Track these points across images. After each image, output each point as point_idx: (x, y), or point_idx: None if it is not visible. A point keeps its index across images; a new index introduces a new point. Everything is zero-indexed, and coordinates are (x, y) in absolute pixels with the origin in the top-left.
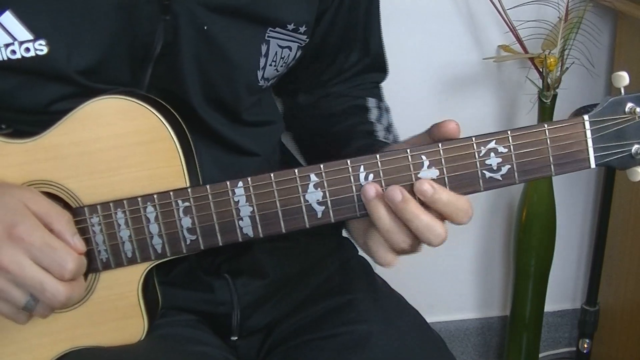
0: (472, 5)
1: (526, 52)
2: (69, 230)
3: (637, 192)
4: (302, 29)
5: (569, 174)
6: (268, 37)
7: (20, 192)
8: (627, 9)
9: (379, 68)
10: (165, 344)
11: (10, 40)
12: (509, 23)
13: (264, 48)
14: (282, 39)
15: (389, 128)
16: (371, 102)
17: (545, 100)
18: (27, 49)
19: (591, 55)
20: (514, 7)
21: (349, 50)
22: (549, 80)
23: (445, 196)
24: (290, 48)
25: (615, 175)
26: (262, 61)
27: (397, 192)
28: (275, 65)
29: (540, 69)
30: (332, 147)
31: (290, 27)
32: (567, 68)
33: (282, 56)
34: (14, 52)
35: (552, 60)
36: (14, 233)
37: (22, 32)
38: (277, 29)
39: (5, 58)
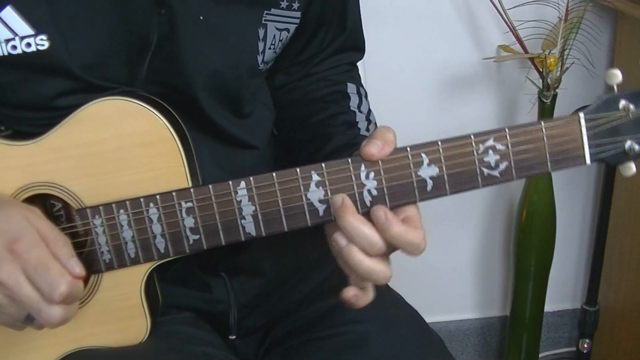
0: (472, 5)
1: (526, 52)
2: (66, 253)
3: (637, 192)
4: (296, 5)
5: (569, 174)
6: (265, 20)
7: (23, 210)
8: (627, 9)
9: (356, 47)
10: (168, 342)
11: (11, 36)
12: (509, 23)
13: (261, 32)
14: (279, 22)
15: (368, 116)
16: (351, 87)
17: (545, 100)
18: (28, 44)
19: (591, 55)
20: (514, 7)
21: (327, 28)
22: (549, 80)
23: (395, 230)
24: (288, 30)
25: (616, 175)
26: (261, 45)
27: (342, 240)
28: (274, 48)
29: (540, 69)
30: (311, 144)
31: (284, 4)
32: (567, 68)
33: (281, 38)
34: (14, 47)
35: (552, 60)
36: (15, 248)
37: (23, 27)
38: (273, 10)
39: (6, 53)
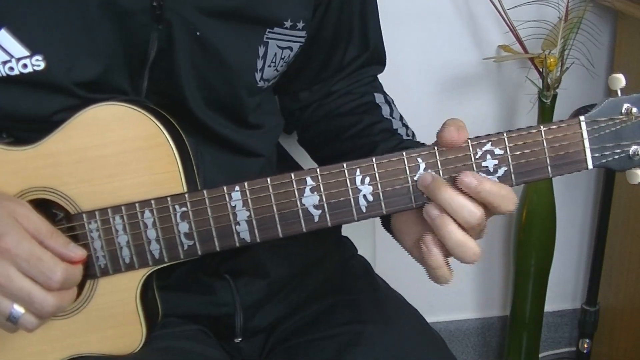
0: (472, 5)
1: (526, 52)
2: (62, 243)
3: (637, 193)
4: (300, 25)
5: (569, 174)
6: (267, 38)
7: (12, 205)
8: (627, 9)
9: (378, 61)
10: (164, 357)
11: (7, 58)
12: (509, 23)
13: (261, 50)
14: (281, 40)
15: (403, 121)
16: (378, 97)
17: (545, 100)
18: (25, 65)
19: (591, 55)
20: (514, 7)
21: (345, 45)
22: (549, 80)
23: (488, 184)
24: (291, 48)
25: (615, 175)
26: (260, 63)
27: (434, 210)
28: (275, 66)
29: (540, 69)
30: (349, 156)
31: (288, 24)
32: (567, 68)
33: (283, 56)
34: (11, 68)
35: (552, 60)
36: (1, 245)
37: (18, 49)
38: (276, 29)
39: (4, 74)
